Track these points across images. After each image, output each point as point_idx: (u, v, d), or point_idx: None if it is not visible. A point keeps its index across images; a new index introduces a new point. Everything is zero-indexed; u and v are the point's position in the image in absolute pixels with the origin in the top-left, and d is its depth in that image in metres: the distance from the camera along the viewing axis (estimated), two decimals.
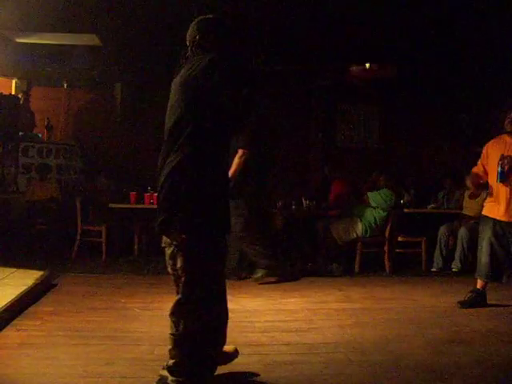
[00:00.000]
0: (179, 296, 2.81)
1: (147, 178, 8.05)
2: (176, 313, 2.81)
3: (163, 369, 2.92)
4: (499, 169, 5.02)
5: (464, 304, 5.28)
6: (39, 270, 5.82)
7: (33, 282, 5.25)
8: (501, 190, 5.12)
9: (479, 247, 5.37)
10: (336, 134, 10.10)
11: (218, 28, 3.06)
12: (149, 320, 4.50)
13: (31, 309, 4.70)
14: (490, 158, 5.27)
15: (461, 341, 4.19)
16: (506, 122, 5.18)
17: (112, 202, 7.57)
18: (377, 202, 7.20)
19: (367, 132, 10.08)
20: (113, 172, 8.31)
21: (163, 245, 2.88)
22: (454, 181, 8.36)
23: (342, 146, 10.10)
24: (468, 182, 5.53)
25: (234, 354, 3.31)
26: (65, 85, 8.93)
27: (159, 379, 2.94)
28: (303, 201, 8.13)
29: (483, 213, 5.35)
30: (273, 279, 6.20)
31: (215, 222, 2.83)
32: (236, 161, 5.89)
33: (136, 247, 7.82)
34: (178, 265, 2.77)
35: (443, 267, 7.28)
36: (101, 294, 5.42)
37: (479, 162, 5.42)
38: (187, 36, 3.09)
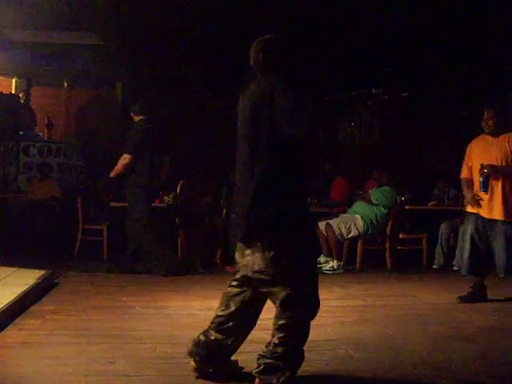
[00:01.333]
0: (290, 289, 2.91)
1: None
2: (290, 303, 2.92)
3: (264, 358, 2.99)
4: (481, 179, 5.13)
5: (464, 299, 5.34)
6: (41, 269, 5.82)
7: (34, 281, 5.26)
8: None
9: (462, 242, 5.51)
10: (337, 131, 10.10)
11: (281, 47, 3.14)
12: (151, 318, 4.51)
13: (33, 308, 4.70)
14: (474, 157, 5.37)
15: (462, 337, 4.19)
16: (483, 123, 5.26)
17: (113, 201, 7.57)
18: (378, 199, 7.21)
19: (368, 129, 10.09)
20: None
21: (255, 247, 2.96)
22: (446, 180, 8.38)
23: (342, 144, 10.11)
24: (466, 194, 5.54)
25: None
26: (65, 84, 8.93)
27: (263, 369, 2.98)
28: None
29: (467, 210, 5.46)
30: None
31: (302, 224, 3.05)
32: None
33: None
34: (282, 264, 2.91)
35: (444, 264, 7.30)
36: (102, 292, 5.42)
37: (464, 165, 5.51)
38: (250, 55, 3.18)
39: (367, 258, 7.23)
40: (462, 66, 8.42)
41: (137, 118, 6.66)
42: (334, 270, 6.93)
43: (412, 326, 4.46)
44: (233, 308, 3.15)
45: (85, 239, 7.58)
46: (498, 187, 5.15)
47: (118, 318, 4.49)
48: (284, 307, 2.94)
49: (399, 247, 7.57)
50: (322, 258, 7.11)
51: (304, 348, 3.04)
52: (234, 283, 3.19)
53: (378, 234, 7.27)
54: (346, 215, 7.32)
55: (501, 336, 4.27)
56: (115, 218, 7.73)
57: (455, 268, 7.01)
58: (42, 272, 5.65)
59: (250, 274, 3.01)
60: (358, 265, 7.13)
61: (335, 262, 6.99)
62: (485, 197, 5.20)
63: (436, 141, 9.59)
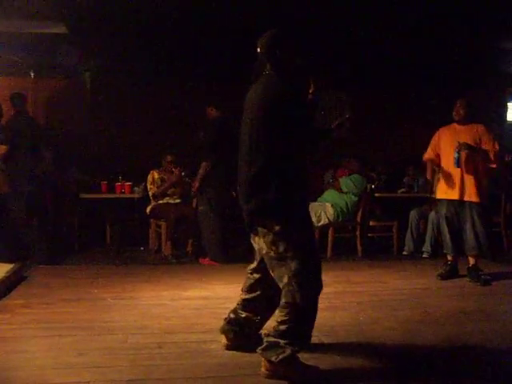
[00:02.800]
0: (293, 270, 3.05)
1: (118, 167, 8.02)
2: (292, 284, 3.05)
3: (268, 336, 3.12)
4: (456, 155, 5.45)
5: (443, 276, 5.70)
6: (9, 263, 5.73)
7: (3, 274, 5.18)
8: (454, 172, 5.54)
9: (433, 228, 6.07)
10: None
11: (294, 44, 3.29)
12: (122, 309, 4.48)
13: (1, 302, 4.64)
14: (443, 143, 5.70)
15: (431, 321, 4.28)
16: (454, 112, 5.53)
17: (83, 193, 7.51)
18: (348, 187, 7.25)
19: (337, 118, 10.09)
20: (83, 162, 8.22)
21: (258, 234, 3.18)
22: (416, 167, 8.47)
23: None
24: (429, 174, 5.86)
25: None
26: (32, 74, 8.78)
27: (266, 346, 3.09)
28: None
29: (438, 196, 5.81)
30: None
31: (301, 210, 3.22)
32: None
33: (108, 237, 7.80)
34: (281, 249, 3.07)
35: (414, 251, 7.38)
36: (73, 285, 5.36)
37: (429, 149, 5.85)
38: (262, 47, 3.25)
39: (338, 246, 7.27)
40: (431, 57, 8.49)
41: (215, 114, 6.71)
42: None
43: (382, 312, 4.52)
44: (258, 292, 3.41)
45: (56, 232, 7.50)
46: (469, 170, 5.46)
47: (88, 309, 4.46)
48: (286, 288, 3.07)
49: (369, 234, 7.64)
50: None
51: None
52: (254, 269, 3.44)
53: (348, 222, 7.32)
54: (316, 203, 7.34)
55: (468, 319, 4.37)
56: (86, 210, 7.68)
57: (425, 255, 7.13)
58: (11, 266, 5.57)
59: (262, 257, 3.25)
60: (328, 252, 7.17)
61: None
62: (454, 179, 5.51)
63: (406, 129, 9.67)
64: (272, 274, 3.18)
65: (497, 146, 5.43)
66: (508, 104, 10.95)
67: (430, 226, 7.17)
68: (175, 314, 4.37)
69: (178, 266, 6.53)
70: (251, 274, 3.47)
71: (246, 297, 3.46)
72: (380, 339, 3.80)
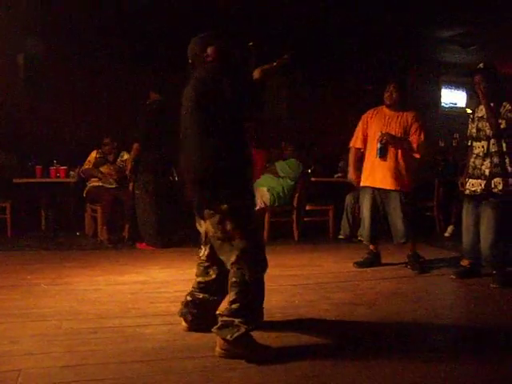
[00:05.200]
0: (241, 248, 3.19)
1: (53, 151, 7.85)
2: (240, 262, 3.18)
3: (222, 316, 3.22)
4: (379, 145, 5.39)
5: (360, 264, 5.73)
6: None
7: None
8: (378, 160, 5.47)
9: (361, 214, 5.84)
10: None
11: (214, 43, 3.39)
12: (56, 295, 4.41)
13: None
14: (372, 130, 5.60)
15: (365, 302, 4.40)
16: (385, 95, 5.52)
17: (16, 177, 7.32)
18: (284, 171, 7.32)
19: (276, 103, 10.16)
20: (15, 146, 8.01)
21: (205, 216, 3.29)
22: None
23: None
24: (351, 166, 5.85)
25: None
26: None
27: (221, 325, 3.19)
28: None
29: (362, 183, 5.71)
30: None
31: (245, 191, 3.35)
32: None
33: (43, 222, 7.65)
34: (228, 227, 3.19)
35: (350, 234, 7.52)
36: (5, 271, 5.24)
37: (357, 134, 5.76)
38: (188, 52, 3.46)
39: (274, 230, 7.34)
40: (367, 43, 8.64)
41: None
42: None
43: (317, 295, 4.61)
44: (213, 275, 3.53)
45: None
46: (391, 159, 5.43)
47: (21, 296, 4.36)
48: (234, 267, 3.20)
49: (306, 219, 7.73)
50: None
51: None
52: (205, 255, 3.53)
53: (284, 206, 7.39)
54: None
55: (400, 300, 4.52)
56: (19, 195, 7.50)
57: (360, 238, 7.28)
58: None
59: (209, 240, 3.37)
60: (265, 236, 7.23)
61: None
62: (378, 168, 5.47)
63: (342, 114, 9.79)
64: (219, 255, 3.32)
65: (422, 137, 5.37)
66: (442, 90, 11.27)
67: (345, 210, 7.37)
68: (111, 298, 4.34)
69: (114, 251, 6.47)
70: (202, 261, 3.56)
71: (201, 280, 3.57)
72: (314, 321, 3.89)
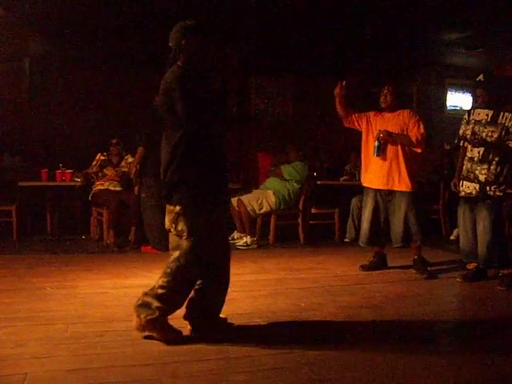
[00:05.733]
0: (184, 249, 3.33)
1: (58, 154, 7.86)
2: (180, 260, 3.34)
3: (146, 295, 3.38)
4: (376, 143, 5.36)
5: (365, 267, 5.70)
6: None
7: None
8: (378, 160, 5.46)
9: (362, 216, 5.77)
10: (251, 108, 10.11)
11: (200, 35, 3.42)
12: (62, 298, 4.40)
13: None
14: (371, 126, 5.59)
15: (372, 306, 4.37)
16: (381, 99, 5.54)
17: (22, 180, 7.32)
18: (290, 174, 7.31)
19: (281, 105, 10.16)
20: (21, 149, 8.04)
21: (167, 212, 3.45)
22: (358, 155, 8.59)
23: (257, 120, 10.12)
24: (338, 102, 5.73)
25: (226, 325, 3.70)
26: None
27: (141, 303, 3.37)
28: None
29: (364, 184, 5.69)
30: None
31: (209, 194, 3.37)
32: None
33: (49, 226, 7.65)
34: (179, 228, 3.33)
35: (355, 238, 7.48)
36: (11, 275, 5.23)
37: (355, 114, 5.71)
38: (171, 38, 3.43)
39: (280, 233, 7.34)
40: (373, 47, 8.63)
41: None
42: (248, 245, 7.00)
43: (323, 298, 4.58)
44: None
45: None
46: (396, 160, 5.39)
47: (27, 299, 4.35)
48: (175, 261, 3.36)
49: (312, 222, 7.71)
50: (235, 234, 7.17)
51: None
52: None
53: (290, 209, 7.38)
54: (258, 191, 7.39)
55: (407, 304, 4.50)
56: (25, 198, 7.50)
57: (346, 239, 7.32)
58: None
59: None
60: (271, 240, 7.24)
61: (248, 237, 7.05)
62: (380, 169, 5.43)
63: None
64: (170, 244, 3.49)
65: (422, 130, 5.31)
66: (448, 93, 11.24)
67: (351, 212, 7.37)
68: (116, 302, 4.33)
69: (120, 255, 6.47)
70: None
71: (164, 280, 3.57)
72: (321, 324, 3.87)
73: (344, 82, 5.57)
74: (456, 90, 11.33)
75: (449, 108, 11.27)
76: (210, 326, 3.54)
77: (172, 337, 3.38)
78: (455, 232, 8.01)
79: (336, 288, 4.95)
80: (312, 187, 7.58)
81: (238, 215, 7.20)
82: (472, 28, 8.11)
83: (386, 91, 5.52)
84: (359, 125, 5.65)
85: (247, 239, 7.04)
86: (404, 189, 5.39)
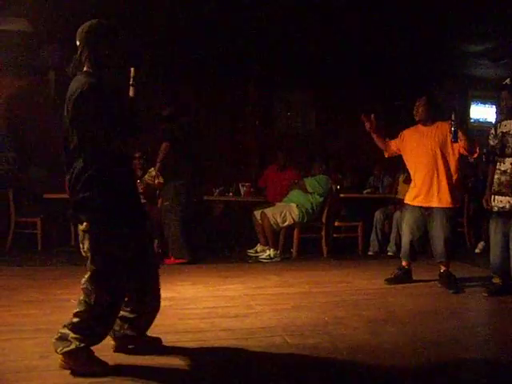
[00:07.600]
0: (90, 271, 3.10)
1: None
2: (88, 282, 3.09)
3: (63, 327, 3.11)
4: (453, 128, 5.03)
5: (390, 281, 5.61)
6: None
7: None
8: (418, 176, 5.45)
9: (402, 231, 5.76)
10: (274, 121, 10.13)
11: (116, 38, 3.39)
12: None
13: None
14: (407, 143, 5.57)
15: (395, 320, 4.31)
16: (414, 112, 5.48)
17: (47, 193, 7.40)
18: (313, 187, 7.30)
19: (304, 119, 10.16)
20: (47, 161, 8.12)
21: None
22: (382, 167, 8.57)
23: (280, 133, 10.14)
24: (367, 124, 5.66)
25: (156, 342, 3.55)
26: None
27: (59, 337, 3.10)
28: (240, 187, 8.15)
29: (406, 201, 5.65)
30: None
31: (117, 215, 3.14)
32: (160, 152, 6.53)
33: (73, 238, 7.70)
34: (85, 247, 3.11)
35: (379, 251, 7.48)
36: (36, 286, 5.28)
37: (391, 142, 5.72)
38: (80, 36, 3.40)
39: (304, 246, 7.31)
40: (397, 59, 8.62)
41: None
42: (271, 258, 6.99)
43: (347, 312, 4.53)
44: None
45: (18, 233, 7.40)
46: (434, 177, 5.35)
47: (51, 311, 4.37)
48: (84, 285, 3.10)
49: (335, 235, 7.68)
50: (258, 247, 7.17)
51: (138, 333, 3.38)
52: None
53: (313, 222, 7.35)
54: (281, 204, 7.38)
55: (432, 318, 4.43)
56: (50, 210, 7.57)
57: (390, 253, 7.22)
58: None
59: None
60: (294, 253, 7.21)
61: (271, 250, 7.05)
62: (423, 186, 5.38)
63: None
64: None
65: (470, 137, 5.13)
66: (471, 105, 11.15)
67: (394, 226, 7.26)
68: None
69: None
70: None
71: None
72: (345, 339, 3.81)
73: (372, 116, 5.51)
74: (480, 103, 11.24)
75: (472, 120, 11.17)
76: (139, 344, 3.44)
77: (94, 368, 3.10)
78: (480, 245, 7.92)
79: (360, 302, 4.90)
80: (335, 200, 7.55)
81: (261, 228, 7.20)
82: (497, 39, 8.05)
83: (417, 103, 5.46)
84: (399, 150, 5.67)
85: (270, 252, 7.03)
86: (447, 205, 5.33)
